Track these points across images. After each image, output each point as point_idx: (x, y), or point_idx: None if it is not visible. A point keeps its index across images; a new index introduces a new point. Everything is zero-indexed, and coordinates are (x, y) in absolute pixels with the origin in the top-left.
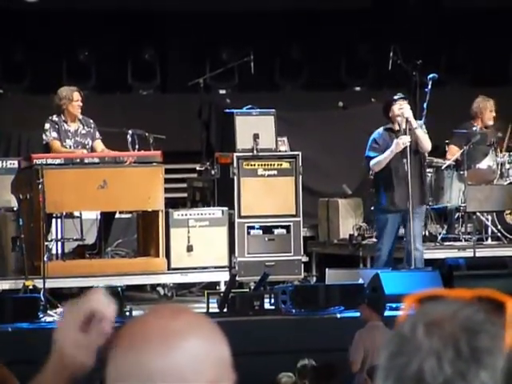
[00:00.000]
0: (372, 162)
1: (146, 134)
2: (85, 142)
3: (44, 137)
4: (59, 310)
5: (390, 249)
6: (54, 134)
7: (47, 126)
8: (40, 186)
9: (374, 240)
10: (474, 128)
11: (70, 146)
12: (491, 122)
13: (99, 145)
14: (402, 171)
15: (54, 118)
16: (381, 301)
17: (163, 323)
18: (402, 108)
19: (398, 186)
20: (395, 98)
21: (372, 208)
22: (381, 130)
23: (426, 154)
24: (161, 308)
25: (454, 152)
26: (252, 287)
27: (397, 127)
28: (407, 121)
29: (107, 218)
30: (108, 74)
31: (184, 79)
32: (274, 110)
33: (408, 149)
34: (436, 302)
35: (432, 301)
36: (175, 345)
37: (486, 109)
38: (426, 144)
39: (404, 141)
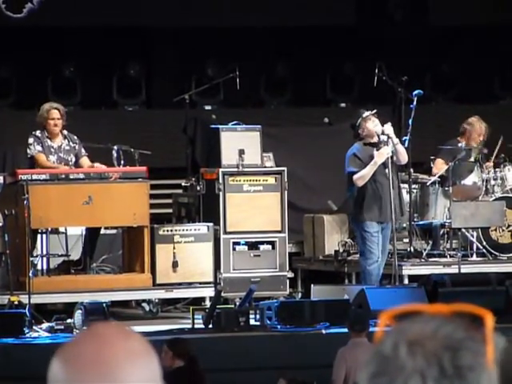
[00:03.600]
0: (356, 176)
1: (132, 150)
2: (68, 158)
3: (28, 151)
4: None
5: (380, 262)
6: (39, 148)
7: (31, 140)
8: (25, 202)
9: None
10: (460, 144)
11: (54, 162)
12: (475, 145)
13: (86, 162)
14: (385, 184)
15: (37, 133)
16: (365, 317)
17: (129, 345)
18: (376, 124)
19: (384, 198)
20: (366, 114)
21: (356, 223)
22: (359, 145)
23: (412, 170)
24: (115, 329)
25: (439, 166)
26: (237, 303)
27: (376, 139)
28: (388, 136)
29: (92, 234)
30: (93, 89)
31: (169, 95)
32: (259, 126)
33: (389, 160)
34: (414, 320)
35: (409, 317)
36: (139, 364)
37: (475, 132)
38: (405, 157)
39: (387, 150)
